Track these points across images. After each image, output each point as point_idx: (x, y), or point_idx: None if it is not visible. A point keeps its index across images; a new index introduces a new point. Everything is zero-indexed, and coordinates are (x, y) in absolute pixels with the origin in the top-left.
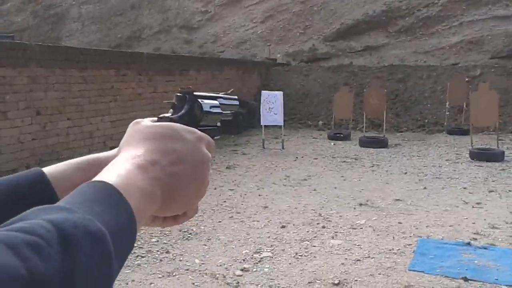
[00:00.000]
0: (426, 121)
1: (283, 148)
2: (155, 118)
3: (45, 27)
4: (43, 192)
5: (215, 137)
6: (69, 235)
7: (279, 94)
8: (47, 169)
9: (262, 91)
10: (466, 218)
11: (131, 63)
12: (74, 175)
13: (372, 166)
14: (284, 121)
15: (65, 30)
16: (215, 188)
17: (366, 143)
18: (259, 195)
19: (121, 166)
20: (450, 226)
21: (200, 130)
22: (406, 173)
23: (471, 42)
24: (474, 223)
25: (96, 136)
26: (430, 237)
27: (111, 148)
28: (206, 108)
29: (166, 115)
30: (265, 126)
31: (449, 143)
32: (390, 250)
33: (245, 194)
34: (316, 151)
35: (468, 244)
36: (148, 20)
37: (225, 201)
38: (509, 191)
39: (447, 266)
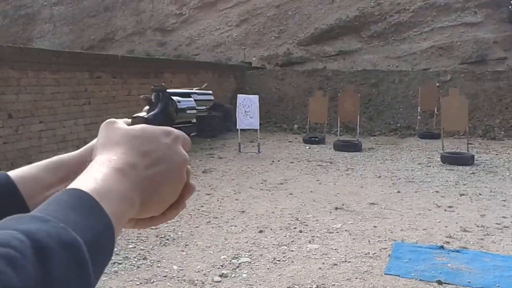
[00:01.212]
0: (399, 125)
1: (259, 151)
2: (129, 120)
3: (15, 28)
4: (8, 195)
5: (191, 134)
6: (43, 245)
7: (254, 98)
8: (12, 172)
9: (238, 95)
10: (439, 222)
11: (106, 65)
12: (42, 177)
13: (347, 170)
14: (259, 124)
15: (36, 31)
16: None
17: (340, 147)
18: (236, 200)
19: (98, 171)
20: (423, 229)
21: (175, 128)
22: (380, 177)
23: (441, 48)
24: (446, 226)
25: (70, 140)
26: (405, 241)
27: None
28: (180, 106)
29: (141, 114)
30: (241, 129)
31: (421, 147)
32: (366, 254)
33: (222, 199)
34: (291, 154)
35: (441, 247)
36: (121, 22)
37: (202, 206)
38: (479, 194)
39: (421, 269)
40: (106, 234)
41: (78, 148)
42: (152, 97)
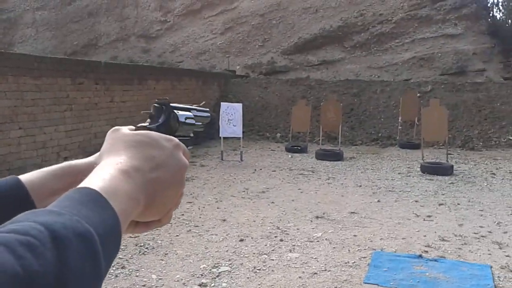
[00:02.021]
0: (380, 135)
1: (241, 160)
2: (133, 127)
3: None
4: (20, 198)
5: (189, 147)
6: (60, 235)
7: (238, 106)
8: (23, 177)
9: (222, 103)
10: (418, 231)
11: (88, 71)
12: (50, 182)
13: (328, 179)
14: (242, 132)
15: (18, 35)
16: None
17: (322, 155)
18: (218, 208)
19: (105, 171)
20: (402, 238)
21: None
22: (360, 186)
23: (422, 58)
24: (425, 235)
25: (50, 146)
26: (384, 250)
27: (65, 159)
28: (181, 119)
29: (144, 124)
30: (224, 137)
31: (401, 157)
32: (346, 263)
33: (203, 207)
34: (274, 163)
35: (420, 256)
36: (105, 28)
37: (183, 214)
38: (458, 204)
39: (400, 278)
40: (114, 230)
41: (58, 154)
42: (152, 110)
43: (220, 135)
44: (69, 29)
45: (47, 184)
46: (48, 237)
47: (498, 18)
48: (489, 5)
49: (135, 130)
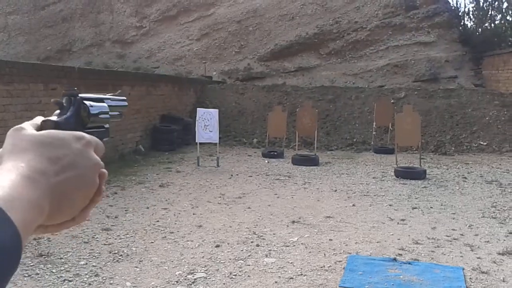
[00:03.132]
0: (355, 140)
1: (218, 165)
2: (38, 122)
3: None
4: None
5: (104, 139)
6: None
7: (214, 112)
8: None
9: (198, 108)
10: (392, 234)
11: (62, 77)
12: None
13: (304, 184)
14: (219, 138)
15: None
16: (148, 208)
17: (298, 161)
18: (193, 214)
19: (5, 178)
20: (377, 242)
21: (87, 132)
22: (336, 190)
23: (396, 65)
24: (399, 239)
25: None
26: (359, 254)
27: None
28: (93, 110)
29: (51, 118)
30: (200, 143)
31: (375, 162)
32: (321, 267)
33: (179, 213)
34: (250, 168)
35: (394, 259)
36: (80, 33)
37: (158, 221)
38: (431, 207)
39: (375, 281)
40: (12, 245)
41: None
42: (64, 101)
43: (196, 141)
44: (43, 34)
45: None
46: None
47: (469, 27)
48: (460, 13)
49: (41, 125)
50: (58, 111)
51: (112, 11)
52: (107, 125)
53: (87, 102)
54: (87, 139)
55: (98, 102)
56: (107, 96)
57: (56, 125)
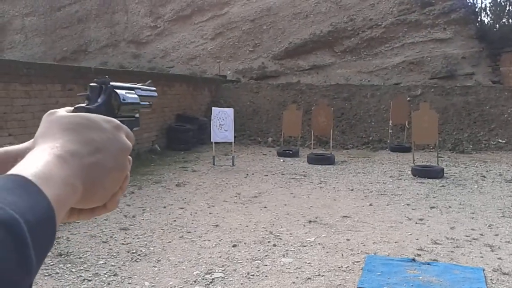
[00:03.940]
0: (371, 138)
1: (233, 164)
2: (71, 108)
3: None
4: None
5: (134, 128)
6: None
7: (229, 111)
8: None
9: (213, 108)
10: (410, 234)
11: (78, 77)
12: None
13: (320, 183)
14: (234, 137)
15: (7, 42)
16: (165, 207)
17: (314, 160)
18: (210, 213)
19: (39, 157)
20: (395, 242)
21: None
22: (352, 189)
23: (412, 63)
24: (417, 239)
25: None
26: (377, 254)
27: None
28: (123, 99)
29: (82, 105)
30: (215, 142)
31: (392, 160)
32: (339, 267)
33: (196, 213)
34: (266, 167)
35: (413, 260)
36: (95, 33)
37: (175, 220)
38: (449, 207)
39: (393, 282)
40: (47, 217)
41: None
42: (89, 91)
43: (211, 140)
44: (59, 35)
45: None
46: None
47: (486, 23)
48: (477, 9)
49: (73, 111)
50: (86, 101)
51: (126, 12)
52: (137, 115)
53: (118, 91)
54: (117, 123)
55: (129, 91)
56: (138, 85)
57: (87, 112)
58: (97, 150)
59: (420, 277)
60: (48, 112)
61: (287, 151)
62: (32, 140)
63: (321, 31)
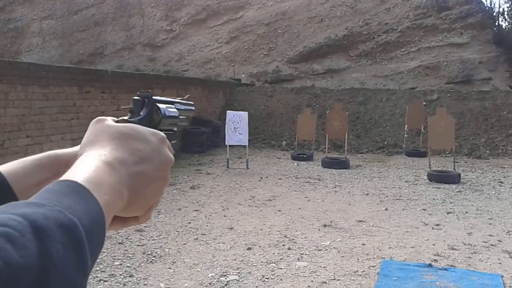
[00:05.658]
0: (386, 143)
1: (247, 168)
2: (115, 119)
3: (3, 41)
4: (0, 191)
5: (172, 141)
6: (41, 225)
7: (244, 114)
8: (3, 167)
9: (227, 111)
10: (427, 240)
11: (95, 80)
12: (33, 172)
13: (335, 187)
14: (248, 141)
15: (24, 44)
16: (179, 209)
17: (328, 164)
18: (224, 216)
19: (89, 163)
20: (411, 247)
21: None
22: (367, 194)
23: (428, 67)
24: (434, 244)
25: None
26: (393, 259)
27: None
28: (164, 112)
29: (125, 118)
30: (229, 145)
31: (407, 165)
32: (355, 272)
33: (210, 215)
34: (280, 171)
35: (430, 265)
36: (111, 37)
37: (189, 223)
38: (466, 212)
39: (410, 287)
40: (99, 222)
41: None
42: (133, 104)
43: (226, 143)
44: (75, 38)
45: (31, 175)
46: (28, 227)
47: (503, 27)
48: (494, 14)
49: (117, 122)
50: (129, 114)
51: (142, 15)
52: (175, 128)
53: (160, 105)
54: (162, 136)
55: (169, 105)
56: (177, 100)
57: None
58: (142, 160)
59: (437, 283)
60: (96, 119)
61: (301, 155)
62: (78, 146)
63: (336, 35)
